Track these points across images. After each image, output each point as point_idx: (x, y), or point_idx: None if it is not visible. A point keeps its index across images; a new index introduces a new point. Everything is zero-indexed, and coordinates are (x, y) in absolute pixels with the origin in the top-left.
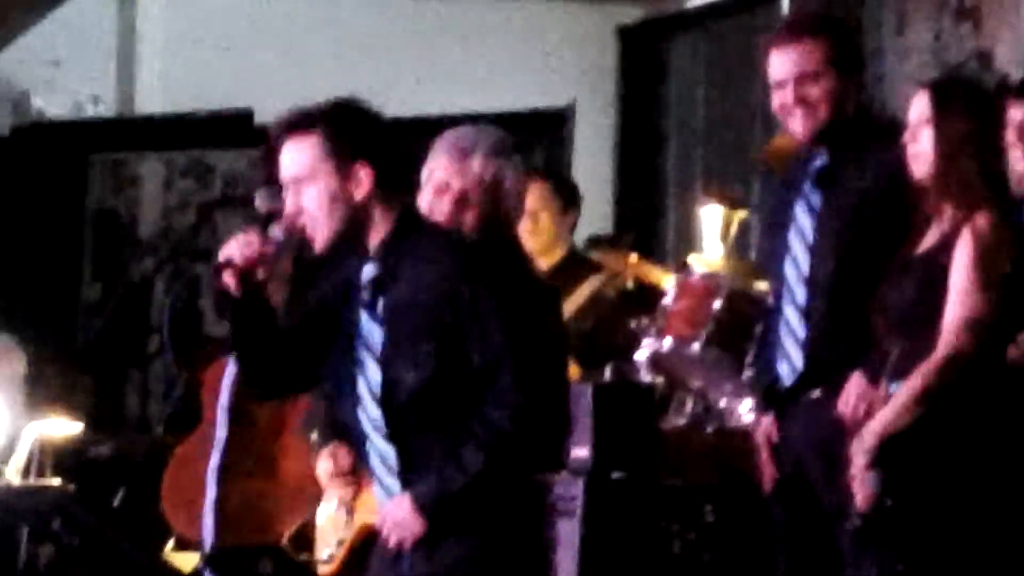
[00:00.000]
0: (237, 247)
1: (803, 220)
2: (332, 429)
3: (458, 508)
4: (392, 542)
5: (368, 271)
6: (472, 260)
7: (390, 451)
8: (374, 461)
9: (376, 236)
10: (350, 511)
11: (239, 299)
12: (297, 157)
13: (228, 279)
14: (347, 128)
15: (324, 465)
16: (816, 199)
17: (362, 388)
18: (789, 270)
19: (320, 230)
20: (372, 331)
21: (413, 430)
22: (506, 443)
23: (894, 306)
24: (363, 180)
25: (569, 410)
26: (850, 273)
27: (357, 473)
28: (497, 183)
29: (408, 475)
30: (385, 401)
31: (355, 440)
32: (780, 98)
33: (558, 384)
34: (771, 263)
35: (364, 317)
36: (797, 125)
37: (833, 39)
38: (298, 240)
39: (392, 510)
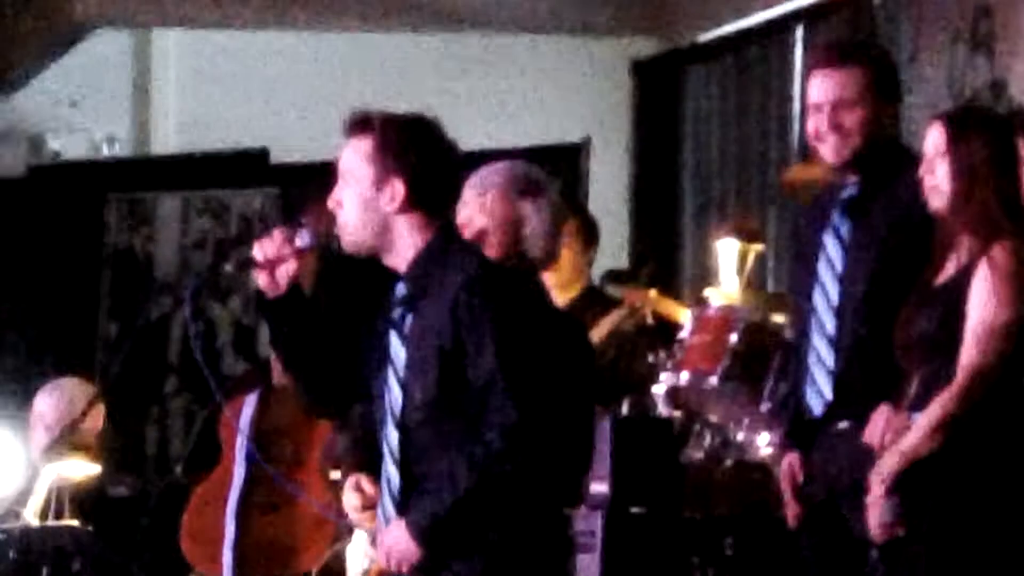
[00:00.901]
0: (261, 246)
1: (832, 250)
2: (352, 459)
3: (455, 530)
4: (392, 569)
5: (399, 289)
6: (479, 280)
7: (396, 476)
8: (383, 485)
9: (409, 254)
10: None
11: (274, 299)
12: (348, 154)
13: (259, 278)
14: (393, 140)
15: (350, 499)
16: (845, 228)
17: (386, 409)
18: (818, 300)
19: (348, 231)
20: (398, 351)
21: (421, 455)
22: (498, 462)
23: (914, 336)
24: (396, 194)
25: (588, 442)
26: (880, 303)
27: None
28: (515, 222)
29: (407, 502)
30: (401, 424)
31: (379, 464)
32: (815, 122)
33: (570, 413)
34: (799, 293)
35: (393, 336)
36: (829, 151)
37: (874, 68)
38: (325, 242)
39: (388, 537)
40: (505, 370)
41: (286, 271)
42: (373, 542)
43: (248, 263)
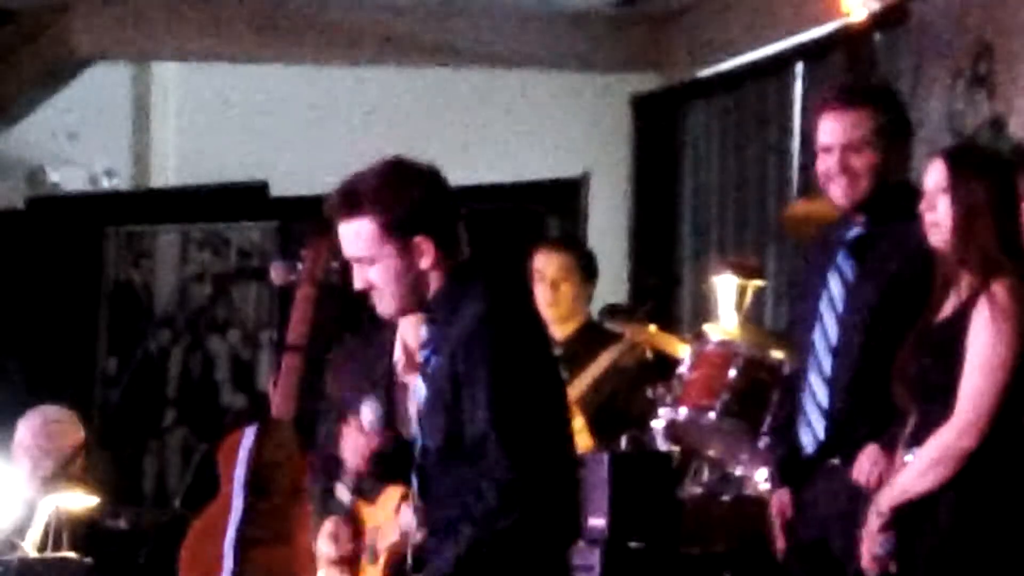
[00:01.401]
0: (352, 453)
1: (835, 289)
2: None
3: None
4: None
5: (422, 332)
6: (477, 331)
7: (413, 520)
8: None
9: (431, 296)
10: None
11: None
12: (355, 240)
13: (367, 469)
14: (399, 206)
15: (324, 548)
16: (848, 268)
17: (416, 453)
18: (818, 339)
19: (389, 301)
20: (421, 393)
21: (436, 500)
22: (495, 518)
23: (912, 374)
24: (426, 251)
25: (572, 477)
26: (878, 346)
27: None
28: None
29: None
30: (419, 467)
31: None
32: (824, 163)
33: (556, 454)
34: (799, 330)
35: (419, 379)
36: (838, 193)
37: (884, 110)
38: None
39: None
40: (499, 425)
41: (378, 445)
42: None
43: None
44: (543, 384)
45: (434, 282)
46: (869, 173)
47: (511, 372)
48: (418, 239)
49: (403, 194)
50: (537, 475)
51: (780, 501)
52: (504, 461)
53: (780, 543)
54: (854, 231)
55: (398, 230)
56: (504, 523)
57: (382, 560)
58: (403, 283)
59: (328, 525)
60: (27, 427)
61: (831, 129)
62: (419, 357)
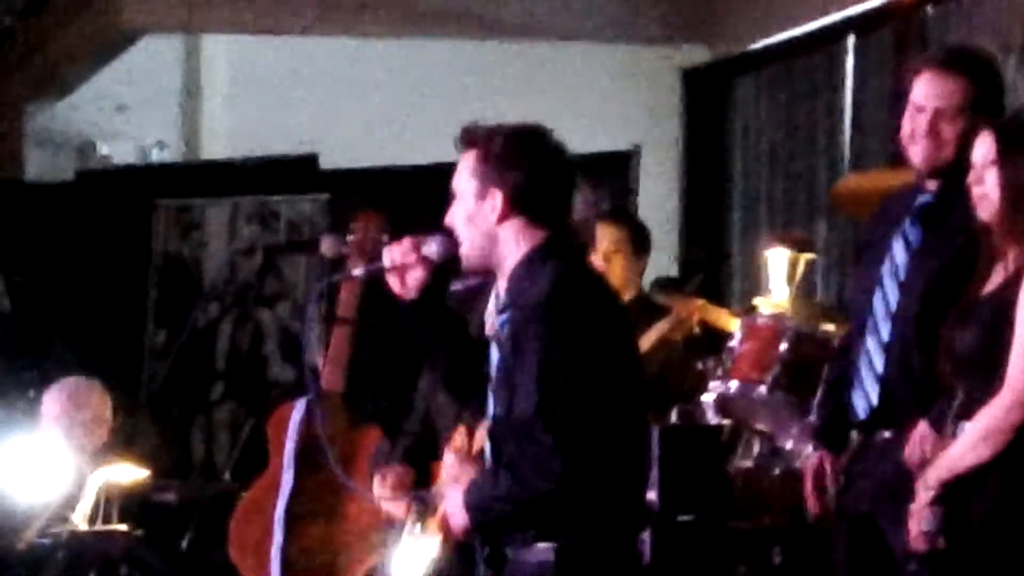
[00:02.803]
0: (390, 252)
1: (899, 255)
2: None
3: (496, 519)
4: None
5: (501, 298)
6: (542, 305)
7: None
8: None
9: (511, 264)
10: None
11: (409, 303)
12: (459, 171)
13: (392, 282)
14: (495, 151)
15: (376, 489)
16: (915, 235)
17: (487, 414)
18: (878, 304)
19: (462, 248)
20: (494, 359)
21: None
22: (536, 483)
23: (959, 348)
24: (496, 204)
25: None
26: (936, 313)
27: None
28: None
29: None
30: (492, 433)
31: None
32: (913, 122)
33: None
34: (859, 296)
35: (493, 345)
36: (918, 155)
37: (980, 82)
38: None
39: (449, 501)
40: (544, 408)
41: (415, 277)
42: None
43: (379, 270)
44: (601, 371)
45: (514, 248)
46: (954, 142)
47: (561, 359)
48: (495, 189)
49: (502, 143)
50: (581, 457)
51: (815, 463)
52: (549, 439)
53: (812, 505)
54: (924, 198)
55: (483, 172)
56: (541, 488)
57: (439, 512)
58: (471, 227)
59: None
60: (52, 398)
61: (925, 91)
62: (495, 323)
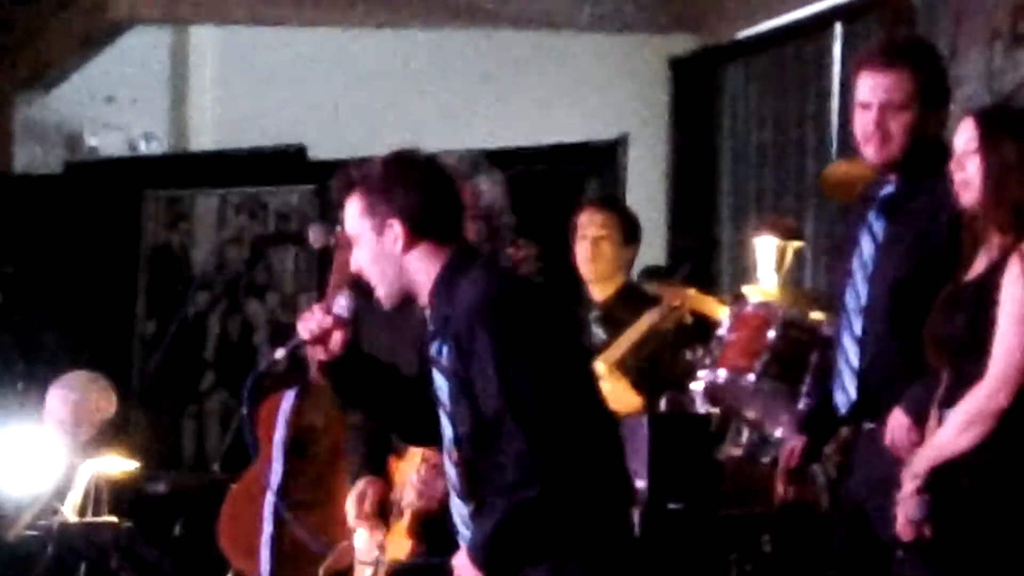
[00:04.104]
0: (305, 325)
1: (866, 249)
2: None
3: (505, 551)
4: None
5: (429, 324)
6: (478, 308)
7: (461, 507)
8: (455, 518)
9: (428, 287)
10: (382, 549)
11: (331, 364)
12: (348, 218)
13: (312, 353)
14: (376, 186)
15: (350, 506)
16: (879, 227)
17: (445, 446)
18: (849, 299)
19: (378, 289)
20: (441, 385)
21: (479, 484)
22: (521, 488)
23: (944, 334)
24: (398, 233)
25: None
26: (907, 304)
27: (387, 513)
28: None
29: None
30: (460, 458)
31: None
32: (861, 120)
33: (581, 420)
34: (838, 290)
35: (435, 372)
36: (871, 151)
37: (924, 72)
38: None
39: (458, 562)
40: (510, 400)
41: (335, 340)
42: (380, 548)
43: (299, 346)
44: (556, 354)
45: (426, 272)
46: (904, 134)
47: (517, 346)
48: (391, 220)
49: (382, 176)
50: (556, 444)
51: (789, 448)
52: (520, 434)
53: (780, 490)
54: (886, 190)
55: (373, 209)
56: (529, 493)
57: (406, 518)
58: (380, 264)
59: (359, 484)
60: (57, 397)
61: (871, 87)
62: (431, 351)
